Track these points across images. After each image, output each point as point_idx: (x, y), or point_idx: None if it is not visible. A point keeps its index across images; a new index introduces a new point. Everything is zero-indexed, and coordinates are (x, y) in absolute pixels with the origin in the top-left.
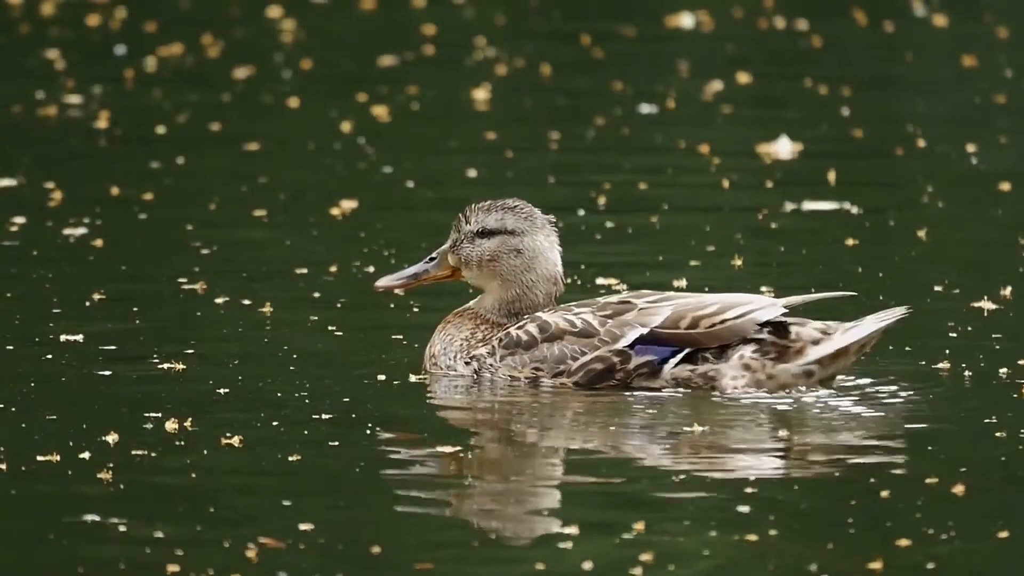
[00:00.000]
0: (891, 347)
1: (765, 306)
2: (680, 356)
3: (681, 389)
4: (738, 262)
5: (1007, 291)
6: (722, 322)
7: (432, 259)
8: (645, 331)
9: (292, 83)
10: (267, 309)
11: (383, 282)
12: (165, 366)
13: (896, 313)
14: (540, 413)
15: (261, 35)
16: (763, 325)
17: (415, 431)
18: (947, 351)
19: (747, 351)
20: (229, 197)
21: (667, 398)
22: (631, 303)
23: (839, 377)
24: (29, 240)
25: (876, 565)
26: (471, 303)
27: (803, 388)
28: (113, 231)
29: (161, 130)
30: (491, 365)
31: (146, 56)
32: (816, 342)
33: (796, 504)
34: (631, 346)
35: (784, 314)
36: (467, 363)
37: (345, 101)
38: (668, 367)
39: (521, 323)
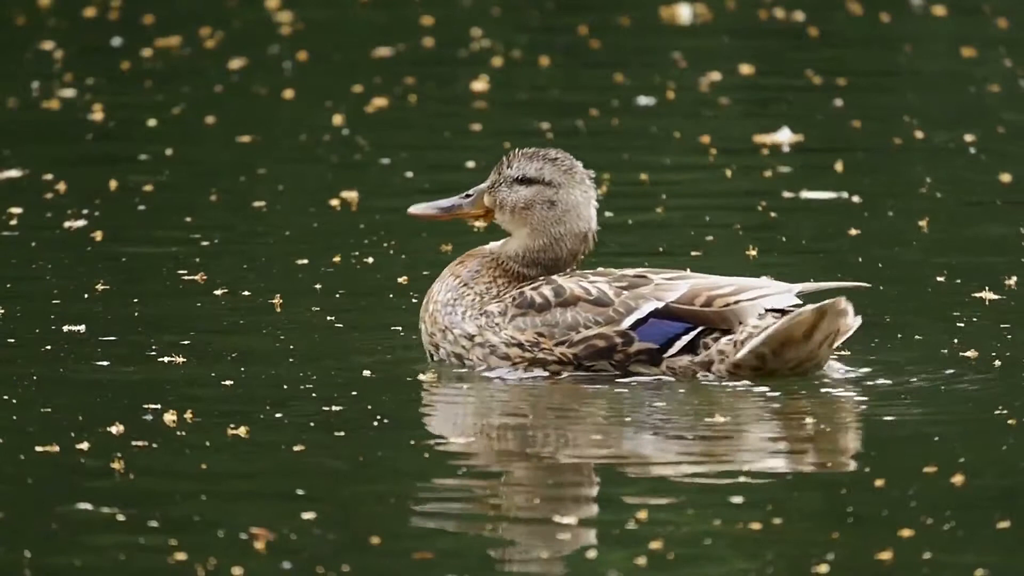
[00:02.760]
0: (899, 335)
1: (780, 292)
2: (692, 334)
3: (679, 377)
4: (738, 252)
5: (1010, 281)
6: (736, 303)
7: (468, 196)
8: (660, 305)
9: (289, 74)
10: (268, 300)
11: (416, 209)
12: (165, 358)
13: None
14: (543, 405)
15: (258, 26)
16: (772, 310)
17: (417, 422)
18: (954, 341)
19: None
20: (228, 188)
21: (669, 390)
22: (647, 277)
23: (835, 367)
24: (28, 232)
25: (886, 555)
26: (491, 244)
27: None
28: (112, 222)
29: (158, 122)
30: (497, 324)
31: (143, 48)
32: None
33: (796, 494)
34: (644, 320)
35: (797, 303)
36: (476, 319)
37: (342, 92)
38: (669, 353)
39: (536, 284)
